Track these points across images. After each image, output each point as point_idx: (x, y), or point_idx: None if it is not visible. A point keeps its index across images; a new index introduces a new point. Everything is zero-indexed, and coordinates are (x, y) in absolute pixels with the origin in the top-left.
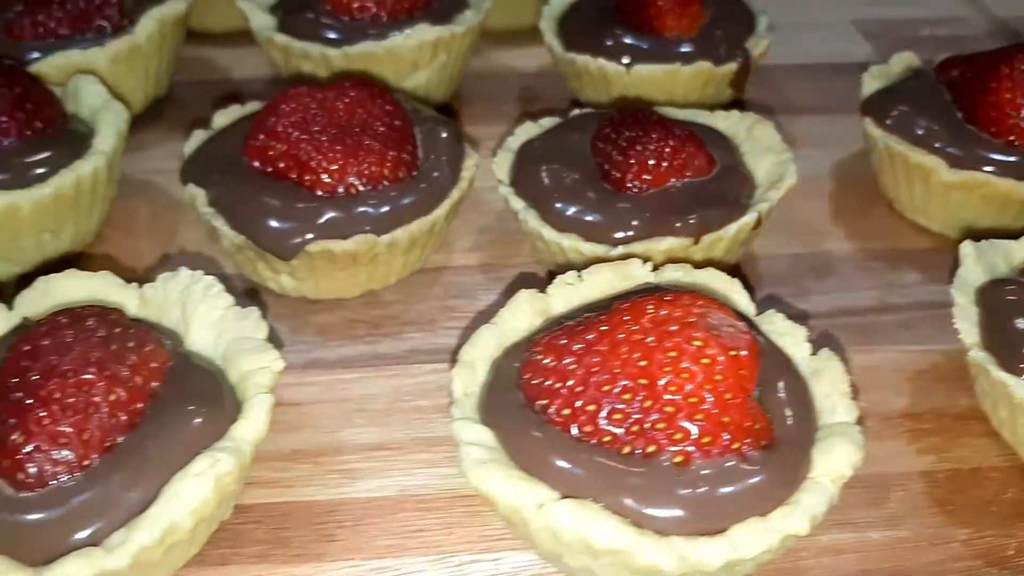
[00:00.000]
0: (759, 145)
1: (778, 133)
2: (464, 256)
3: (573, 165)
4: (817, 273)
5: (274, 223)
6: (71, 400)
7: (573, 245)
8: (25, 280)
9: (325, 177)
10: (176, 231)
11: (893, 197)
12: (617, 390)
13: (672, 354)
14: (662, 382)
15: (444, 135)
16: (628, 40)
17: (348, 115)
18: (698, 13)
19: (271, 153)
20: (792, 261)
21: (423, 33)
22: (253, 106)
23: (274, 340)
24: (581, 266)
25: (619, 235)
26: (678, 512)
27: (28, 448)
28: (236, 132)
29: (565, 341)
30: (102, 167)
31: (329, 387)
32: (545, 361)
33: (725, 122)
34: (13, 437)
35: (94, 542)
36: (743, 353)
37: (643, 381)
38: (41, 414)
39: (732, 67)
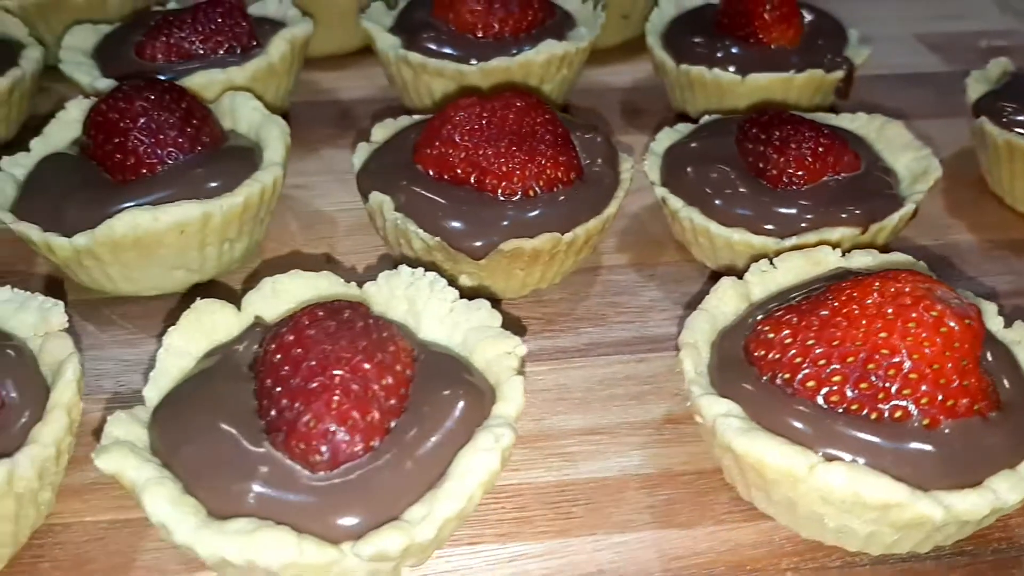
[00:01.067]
0: (894, 143)
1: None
2: (613, 257)
3: (723, 165)
4: (950, 262)
5: (465, 225)
6: (353, 386)
7: (744, 239)
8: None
9: (507, 181)
10: (329, 239)
11: (1006, 191)
12: (861, 361)
13: (911, 325)
14: (904, 351)
15: (599, 140)
16: (736, 51)
17: (517, 124)
18: (800, 25)
19: (449, 160)
20: (925, 252)
21: (552, 48)
22: (405, 120)
23: None
24: (750, 260)
25: (784, 227)
26: (934, 469)
27: (321, 430)
28: (400, 143)
29: (796, 319)
30: (279, 178)
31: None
32: (780, 337)
33: (853, 124)
34: (304, 420)
35: (391, 518)
36: (974, 322)
37: (885, 351)
38: (334, 397)
39: (839, 75)
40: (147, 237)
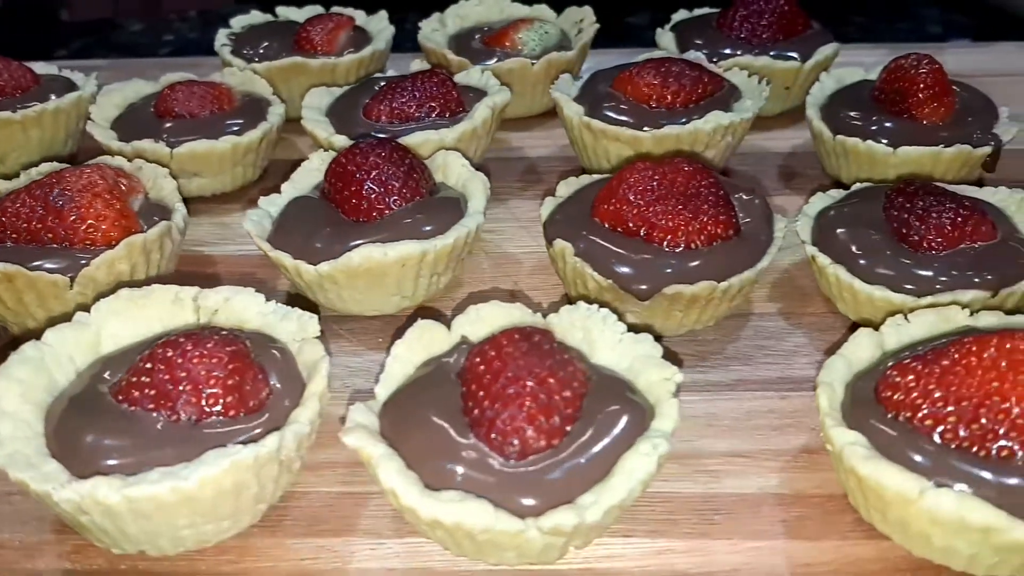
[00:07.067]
0: None
1: None
2: (765, 305)
3: (869, 229)
4: None
5: (634, 271)
6: (541, 395)
7: (884, 296)
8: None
9: (672, 235)
10: (515, 277)
11: None
12: (974, 405)
13: (1022, 376)
14: (1013, 399)
15: (757, 201)
16: (889, 125)
17: (684, 186)
18: (951, 103)
19: (623, 215)
20: None
21: (719, 119)
22: (586, 179)
23: None
24: (887, 315)
25: (921, 287)
26: None
27: (514, 427)
28: (581, 198)
29: (921, 367)
30: (481, 224)
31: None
32: (906, 381)
33: (995, 196)
34: (502, 419)
35: (565, 502)
36: None
37: (996, 398)
38: (523, 403)
39: (986, 150)
40: (376, 268)
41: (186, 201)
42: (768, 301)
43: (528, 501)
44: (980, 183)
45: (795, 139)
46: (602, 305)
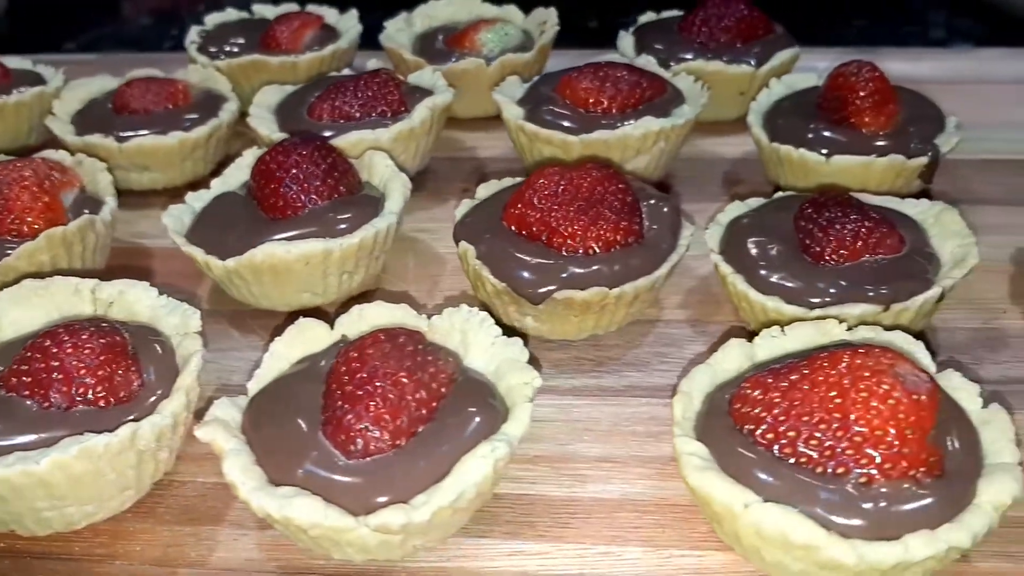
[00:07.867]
0: (946, 230)
1: (963, 220)
2: (674, 312)
3: (777, 239)
4: (992, 346)
5: (529, 275)
6: (390, 395)
7: (775, 306)
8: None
9: (570, 240)
10: (436, 277)
11: None
12: (815, 421)
13: (863, 394)
14: (853, 416)
15: (665, 209)
16: (828, 134)
17: (589, 191)
18: (893, 112)
19: (527, 219)
20: (969, 334)
21: (649, 124)
22: (508, 181)
23: None
24: (781, 324)
25: (816, 300)
26: (860, 521)
27: (358, 427)
28: (496, 201)
29: (771, 380)
30: (393, 225)
31: (562, 409)
32: (754, 395)
33: (915, 209)
34: (347, 418)
35: (401, 502)
36: (924, 398)
37: (837, 415)
38: (370, 403)
39: (922, 161)
40: (280, 265)
41: (137, 194)
42: (679, 308)
43: (368, 499)
44: (926, 194)
45: (747, 145)
46: (482, 308)
